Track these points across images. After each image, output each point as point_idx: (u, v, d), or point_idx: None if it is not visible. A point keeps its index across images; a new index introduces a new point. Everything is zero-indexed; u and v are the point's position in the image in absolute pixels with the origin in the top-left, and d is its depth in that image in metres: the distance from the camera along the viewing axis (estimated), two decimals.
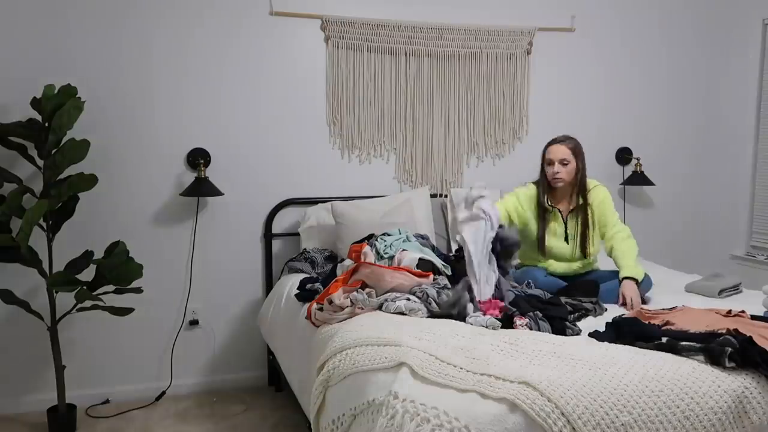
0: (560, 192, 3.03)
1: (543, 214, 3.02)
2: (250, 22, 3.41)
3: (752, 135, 4.06)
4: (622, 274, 2.77)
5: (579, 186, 3.01)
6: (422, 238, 2.99)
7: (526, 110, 3.90)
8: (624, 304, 2.64)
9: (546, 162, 3.00)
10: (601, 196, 3.04)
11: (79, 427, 3.06)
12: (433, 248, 2.97)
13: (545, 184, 3.02)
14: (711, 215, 4.29)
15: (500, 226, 2.63)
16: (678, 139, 4.24)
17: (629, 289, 2.67)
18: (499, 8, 3.79)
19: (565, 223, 3.02)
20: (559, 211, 3.03)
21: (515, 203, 3.05)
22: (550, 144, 3.02)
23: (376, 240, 2.83)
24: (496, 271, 2.49)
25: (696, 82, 4.22)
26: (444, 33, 3.67)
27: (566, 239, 3.01)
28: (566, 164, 2.95)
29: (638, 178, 4.00)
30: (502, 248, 2.58)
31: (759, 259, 3.99)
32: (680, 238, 4.27)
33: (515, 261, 2.94)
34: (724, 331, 1.95)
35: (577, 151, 2.99)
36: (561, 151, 2.96)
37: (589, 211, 3.02)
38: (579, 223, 3.01)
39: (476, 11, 3.74)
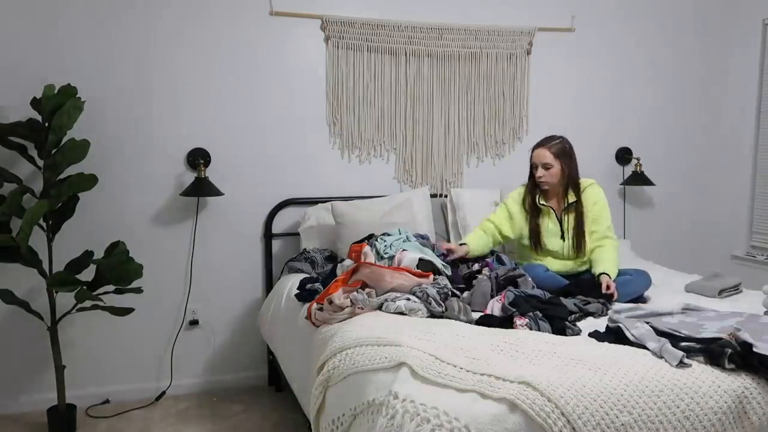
0: (551, 191, 3.09)
1: (536, 212, 3.07)
2: (250, 22, 3.41)
3: (752, 135, 4.06)
4: (600, 269, 2.84)
5: (569, 185, 3.05)
6: (422, 238, 2.99)
7: (526, 110, 3.89)
8: (608, 289, 2.70)
9: (532, 166, 3.06)
10: (596, 197, 3.08)
11: (79, 427, 3.06)
12: (433, 248, 2.97)
13: (534, 185, 3.08)
14: (711, 215, 4.29)
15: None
16: (678, 139, 4.24)
17: (607, 279, 2.78)
18: (499, 8, 3.79)
19: (560, 221, 3.06)
20: (553, 210, 3.07)
21: (505, 215, 3.13)
22: (534, 147, 3.07)
23: (376, 240, 2.83)
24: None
25: (696, 82, 4.22)
26: (444, 33, 3.67)
27: (562, 237, 3.04)
28: (549, 168, 3.00)
29: (638, 178, 4.00)
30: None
31: (759, 259, 3.99)
32: (680, 238, 4.27)
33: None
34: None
35: (561, 153, 3.01)
36: (543, 155, 3.00)
37: (583, 209, 3.05)
38: (573, 220, 3.04)
39: (476, 11, 3.74)
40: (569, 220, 3.05)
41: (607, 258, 2.90)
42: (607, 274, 2.79)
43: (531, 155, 3.07)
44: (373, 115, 3.64)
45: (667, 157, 4.21)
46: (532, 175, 3.08)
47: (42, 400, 3.16)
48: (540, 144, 3.05)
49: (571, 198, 3.06)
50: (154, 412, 3.24)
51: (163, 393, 3.40)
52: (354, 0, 3.56)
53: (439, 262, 2.70)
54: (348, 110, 3.59)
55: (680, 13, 4.14)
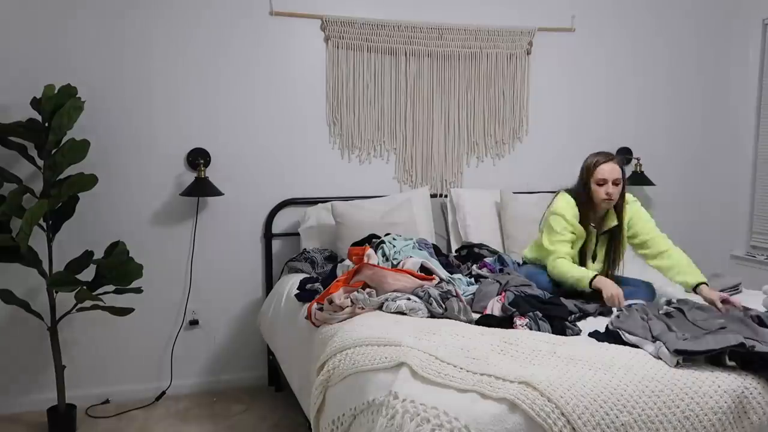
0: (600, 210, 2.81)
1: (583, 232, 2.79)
2: (250, 22, 3.41)
3: (752, 135, 4.06)
4: (695, 280, 2.61)
5: (617, 205, 2.78)
6: (428, 247, 2.97)
7: (526, 110, 3.90)
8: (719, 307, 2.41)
9: (597, 182, 2.71)
10: (632, 210, 2.83)
11: (79, 427, 3.06)
12: (443, 263, 2.91)
13: (589, 202, 2.75)
14: (711, 215, 4.29)
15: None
16: (678, 139, 4.24)
17: (715, 293, 2.51)
18: (499, 8, 3.79)
19: (596, 244, 2.83)
20: (595, 229, 2.82)
21: (572, 235, 2.76)
22: (600, 162, 2.71)
23: (384, 244, 2.82)
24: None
25: (696, 82, 4.22)
26: (444, 33, 3.67)
27: (593, 258, 2.83)
28: (618, 184, 2.71)
29: (638, 178, 4.00)
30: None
31: (759, 259, 3.99)
32: (680, 238, 4.21)
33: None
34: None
35: (624, 168, 2.80)
36: (617, 171, 2.71)
37: (621, 237, 2.82)
38: (609, 244, 2.83)
39: (476, 11, 3.74)
40: (604, 243, 2.83)
41: (687, 265, 2.69)
42: (706, 284, 2.57)
43: (592, 170, 2.71)
44: (373, 115, 3.64)
45: (667, 157, 4.21)
46: (586, 190, 2.74)
47: (42, 400, 3.16)
48: (608, 158, 2.73)
49: (612, 220, 2.79)
50: (154, 412, 3.24)
51: (163, 393, 3.40)
52: (354, 0, 3.56)
53: (445, 275, 2.67)
54: (348, 110, 3.59)
55: (680, 13, 4.14)
